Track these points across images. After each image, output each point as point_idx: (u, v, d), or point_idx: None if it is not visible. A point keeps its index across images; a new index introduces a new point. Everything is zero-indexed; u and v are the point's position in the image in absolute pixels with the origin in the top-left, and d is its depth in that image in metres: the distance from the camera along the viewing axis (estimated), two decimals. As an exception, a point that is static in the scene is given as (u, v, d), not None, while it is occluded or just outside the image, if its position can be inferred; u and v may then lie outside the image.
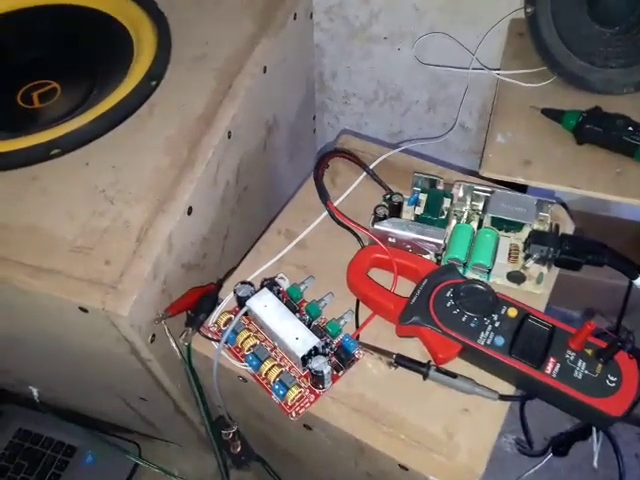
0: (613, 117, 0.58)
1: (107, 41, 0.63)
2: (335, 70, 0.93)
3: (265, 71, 0.60)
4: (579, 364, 0.41)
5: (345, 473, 0.51)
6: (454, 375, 0.42)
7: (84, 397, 0.74)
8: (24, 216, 0.48)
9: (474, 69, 0.73)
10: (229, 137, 0.55)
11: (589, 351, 0.41)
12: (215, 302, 0.48)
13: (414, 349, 0.45)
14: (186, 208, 0.49)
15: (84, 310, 0.45)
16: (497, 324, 0.43)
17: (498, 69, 0.68)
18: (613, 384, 0.39)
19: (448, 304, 0.44)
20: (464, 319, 0.43)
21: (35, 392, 0.76)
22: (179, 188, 0.49)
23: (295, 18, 0.66)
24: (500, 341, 0.42)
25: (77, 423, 0.80)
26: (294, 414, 0.42)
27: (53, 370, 0.64)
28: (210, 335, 0.46)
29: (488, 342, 0.42)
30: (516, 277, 0.47)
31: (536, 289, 0.47)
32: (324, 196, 0.51)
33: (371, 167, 0.55)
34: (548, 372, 0.40)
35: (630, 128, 0.57)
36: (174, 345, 0.47)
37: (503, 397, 0.42)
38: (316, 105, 0.91)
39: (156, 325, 0.48)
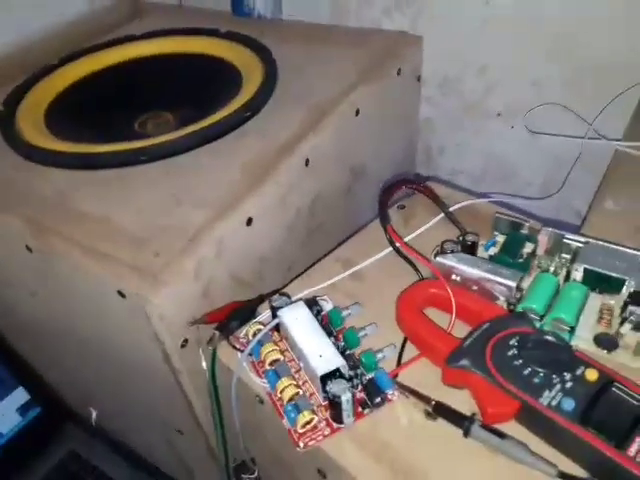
0: None
1: (221, 81, 0.68)
2: (443, 145, 0.91)
3: (357, 114, 0.60)
4: (680, 454, 0.30)
5: None
6: (502, 435, 0.33)
7: (130, 426, 0.73)
8: (101, 208, 0.51)
9: (590, 139, 0.66)
10: (306, 165, 0.54)
11: (697, 440, 0.30)
12: (252, 314, 0.45)
13: (461, 404, 0.37)
14: (245, 218, 0.48)
15: (122, 295, 0.44)
16: (569, 385, 0.34)
17: (618, 140, 0.61)
18: None
19: (509, 353, 0.36)
20: (526, 372, 0.35)
21: (94, 415, 0.76)
22: (242, 198, 0.49)
23: (399, 74, 0.67)
24: (569, 404, 0.33)
25: (125, 458, 0.78)
26: (302, 444, 0.36)
27: (101, 379, 0.64)
28: (238, 346, 0.42)
29: (553, 403, 0.33)
30: (606, 342, 0.38)
31: (632, 362, 0.37)
32: (384, 219, 0.47)
33: (450, 209, 0.50)
34: (631, 455, 0.30)
35: None
36: (200, 352, 0.44)
37: (564, 475, 0.32)
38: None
39: (189, 329, 0.45)
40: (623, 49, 0.64)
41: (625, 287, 0.40)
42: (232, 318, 0.44)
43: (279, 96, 0.62)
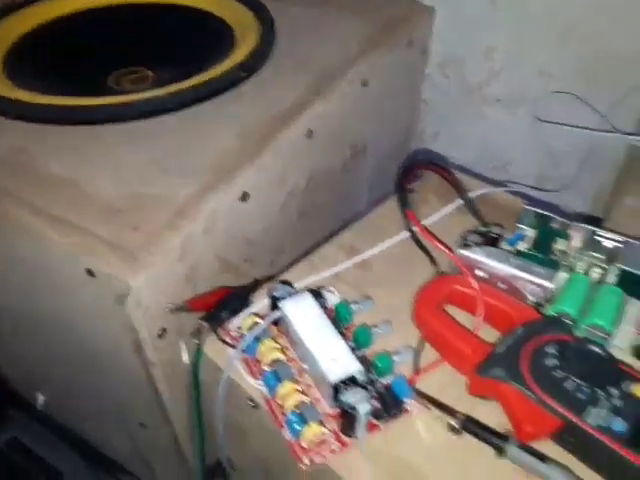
0: None
1: (211, 38, 0.61)
2: (438, 129, 0.87)
3: (365, 85, 0.54)
4: None
5: None
6: (543, 458, 0.29)
7: (85, 414, 0.66)
8: (70, 170, 0.44)
9: (602, 131, 0.63)
10: (309, 136, 0.48)
11: None
12: (245, 303, 0.39)
13: (488, 416, 0.32)
14: (240, 192, 0.42)
15: (91, 274, 0.37)
16: (617, 402, 0.30)
17: (632, 134, 0.58)
18: None
19: (549, 363, 0.32)
20: (569, 386, 0.31)
21: (41, 399, 0.69)
22: (238, 169, 0.43)
23: (409, 45, 0.61)
24: (619, 426, 0.29)
25: (75, 449, 0.71)
26: (307, 461, 0.31)
27: (57, 365, 0.57)
28: (229, 340, 0.37)
29: (601, 423, 0.29)
30: (647, 354, 0.34)
31: (676, 377, 0.34)
32: (404, 203, 0.42)
33: (470, 197, 0.45)
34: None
35: None
36: (182, 345, 0.38)
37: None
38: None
39: (168, 317, 0.39)
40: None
41: (666, 294, 0.36)
42: (222, 307, 0.38)
43: (278, 58, 0.55)
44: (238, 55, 0.55)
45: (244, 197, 0.43)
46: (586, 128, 0.65)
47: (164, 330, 0.40)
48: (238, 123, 0.47)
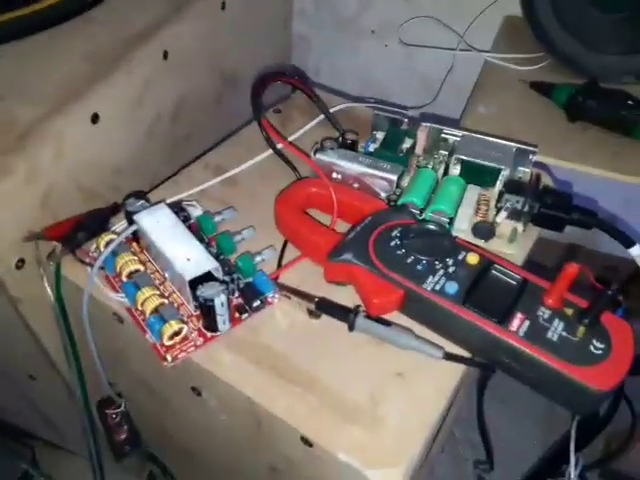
0: (610, 91, 0.51)
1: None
2: (319, 65, 0.88)
3: (224, 7, 0.54)
4: (555, 323, 0.30)
5: (247, 470, 0.39)
6: (388, 323, 0.32)
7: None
8: None
9: (461, 50, 0.67)
10: (165, 58, 0.47)
11: (569, 310, 0.31)
12: (104, 224, 0.38)
13: (345, 300, 0.35)
14: (89, 113, 0.41)
15: None
16: (451, 269, 0.33)
17: (487, 51, 0.62)
18: (599, 351, 0.29)
19: (392, 243, 0.34)
20: (410, 261, 0.33)
21: None
22: (87, 91, 0.41)
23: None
24: (452, 288, 0.32)
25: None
26: (169, 358, 0.31)
27: None
28: (88, 260, 0.36)
29: (437, 288, 0.32)
30: (483, 231, 0.38)
31: (507, 248, 0.38)
32: (258, 113, 0.42)
33: (330, 111, 0.47)
34: (513, 329, 0.30)
35: (630, 102, 0.50)
36: (42, 271, 0.37)
37: (450, 356, 0.31)
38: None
39: (26, 247, 0.38)
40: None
41: (500, 177, 0.40)
42: (79, 229, 0.37)
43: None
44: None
45: (95, 119, 0.41)
46: (448, 49, 0.69)
47: (22, 261, 0.38)
48: (88, 46, 0.45)
